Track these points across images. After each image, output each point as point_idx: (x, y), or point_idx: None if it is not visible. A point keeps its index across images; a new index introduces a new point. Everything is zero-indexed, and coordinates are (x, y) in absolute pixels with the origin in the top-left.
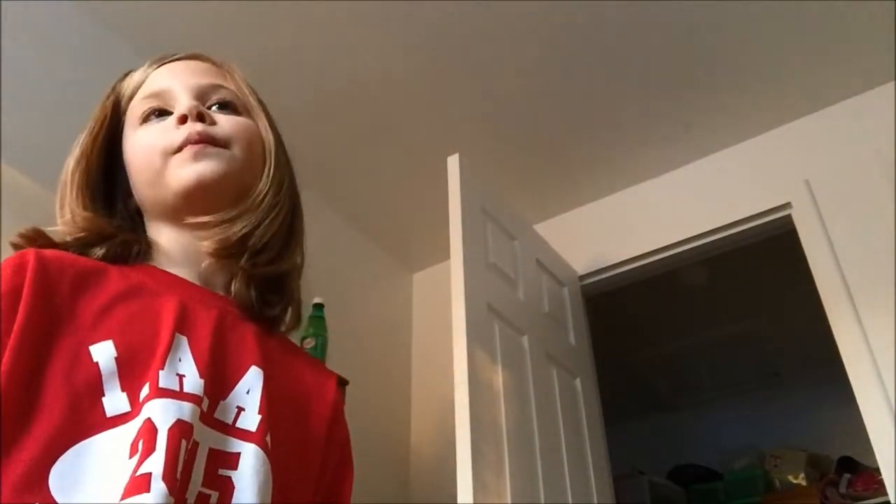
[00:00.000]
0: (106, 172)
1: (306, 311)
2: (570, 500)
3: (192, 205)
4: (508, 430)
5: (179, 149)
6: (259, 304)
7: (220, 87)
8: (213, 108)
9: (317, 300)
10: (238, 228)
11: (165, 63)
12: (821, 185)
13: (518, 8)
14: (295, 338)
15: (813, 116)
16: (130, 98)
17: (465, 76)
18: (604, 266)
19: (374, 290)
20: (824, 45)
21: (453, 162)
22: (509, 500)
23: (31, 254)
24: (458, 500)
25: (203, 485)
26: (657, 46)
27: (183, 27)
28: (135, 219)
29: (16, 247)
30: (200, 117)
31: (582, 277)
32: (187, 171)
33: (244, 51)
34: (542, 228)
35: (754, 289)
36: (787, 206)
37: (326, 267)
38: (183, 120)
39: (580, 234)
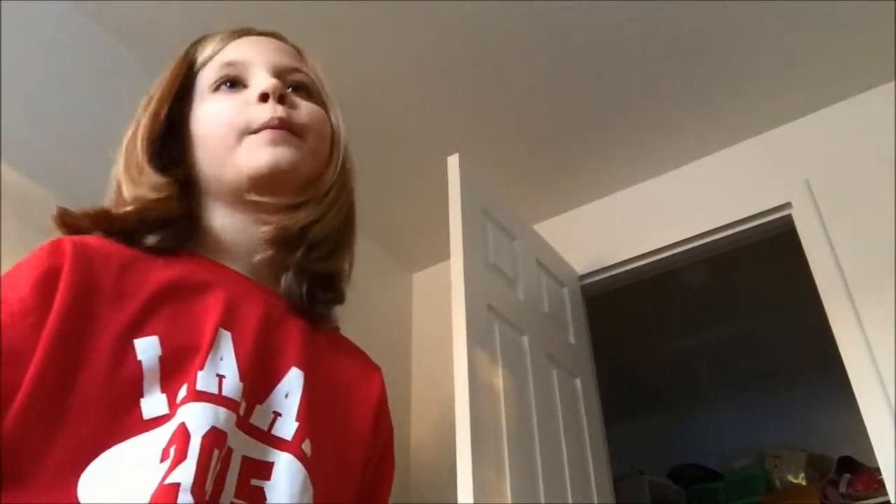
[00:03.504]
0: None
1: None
2: (569, 500)
3: (257, 189)
4: (508, 430)
5: (257, 130)
6: (309, 300)
7: (297, 70)
8: (290, 89)
9: None
10: (301, 217)
11: (244, 35)
12: (821, 185)
13: (518, 9)
14: None
15: (813, 116)
16: (203, 65)
17: (465, 76)
18: (604, 266)
19: (374, 290)
20: (824, 45)
21: (453, 162)
22: (509, 500)
23: (67, 240)
24: (458, 500)
25: (235, 495)
26: (657, 47)
27: (183, 28)
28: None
29: (61, 223)
30: (282, 99)
31: (582, 277)
32: (263, 154)
33: None
34: (542, 228)
35: (754, 289)
36: (787, 205)
37: None
38: (264, 98)
39: (580, 234)
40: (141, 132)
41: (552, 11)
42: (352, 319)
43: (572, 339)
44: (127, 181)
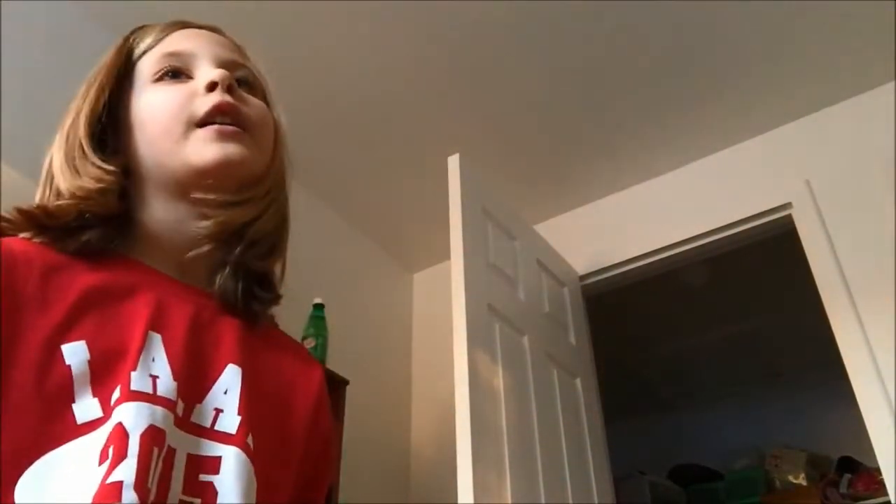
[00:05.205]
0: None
1: (306, 311)
2: (570, 501)
3: (202, 182)
4: (509, 430)
5: (205, 119)
6: (244, 299)
7: (241, 65)
8: (237, 84)
9: (317, 300)
10: (242, 213)
11: (185, 28)
12: (821, 185)
13: (518, 9)
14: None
15: (813, 116)
16: (142, 54)
17: (465, 76)
18: (604, 266)
19: (374, 290)
20: (824, 45)
21: (453, 162)
22: (509, 500)
23: None
24: (459, 501)
25: (184, 492)
26: (657, 46)
27: None
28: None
29: None
30: (230, 89)
31: (582, 277)
32: (212, 149)
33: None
34: (542, 228)
35: (754, 289)
36: (787, 206)
37: (326, 267)
38: (211, 88)
39: (580, 234)
40: (82, 120)
41: (552, 12)
42: (352, 319)
43: (572, 339)
44: (66, 172)
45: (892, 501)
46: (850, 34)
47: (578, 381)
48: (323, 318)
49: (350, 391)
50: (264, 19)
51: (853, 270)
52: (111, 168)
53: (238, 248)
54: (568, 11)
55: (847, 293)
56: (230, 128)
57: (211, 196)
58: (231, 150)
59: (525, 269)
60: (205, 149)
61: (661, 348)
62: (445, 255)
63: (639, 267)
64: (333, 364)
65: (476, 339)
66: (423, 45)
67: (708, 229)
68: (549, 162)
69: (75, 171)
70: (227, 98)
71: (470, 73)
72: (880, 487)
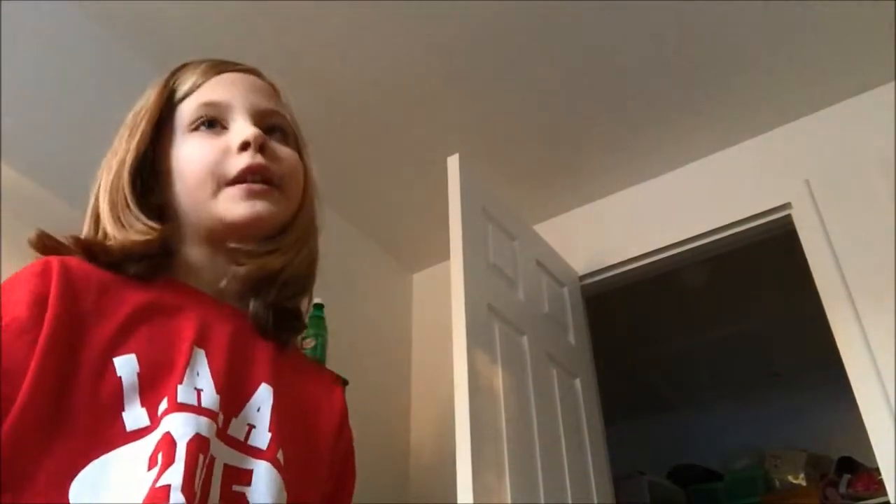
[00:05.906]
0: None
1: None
2: (569, 501)
3: (234, 235)
4: (508, 431)
5: (235, 179)
6: (274, 325)
7: (276, 112)
8: (269, 132)
9: (317, 300)
10: (276, 262)
11: (225, 72)
12: (821, 185)
13: (517, 9)
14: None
15: (813, 116)
16: (183, 98)
17: (464, 77)
18: (604, 266)
19: (374, 290)
20: (824, 45)
21: (453, 162)
22: (509, 501)
23: (55, 261)
24: (458, 501)
25: (220, 500)
26: (657, 47)
27: (183, 29)
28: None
29: (40, 246)
30: (262, 148)
31: (582, 277)
32: (241, 207)
33: (243, 52)
34: (542, 228)
35: (754, 289)
36: (787, 206)
37: (326, 267)
38: (244, 147)
39: (580, 234)
40: (126, 169)
41: (552, 12)
42: (352, 319)
43: (572, 340)
44: (112, 221)
45: (892, 502)
46: (850, 34)
47: (578, 382)
48: (322, 318)
49: (349, 391)
50: (264, 20)
51: (853, 270)
52: (155, 226)
53: (272, 292)
54: (567, 12)
55: (847, 293)
56: (259, 186)
57: (244, 247)
58: (259, 207)
59: (525, 269)
60: (235, 206)
61: (661, 348)
62: (445, 255)
63: (639, 267)
64: (333, 364)
65: (476, 339)
66: (423, 45)
67: (708, 229)
68: (549, 162)
69: (121, 223)
70: (259, 160)
71: (469, 74)
72: (880, 487)
